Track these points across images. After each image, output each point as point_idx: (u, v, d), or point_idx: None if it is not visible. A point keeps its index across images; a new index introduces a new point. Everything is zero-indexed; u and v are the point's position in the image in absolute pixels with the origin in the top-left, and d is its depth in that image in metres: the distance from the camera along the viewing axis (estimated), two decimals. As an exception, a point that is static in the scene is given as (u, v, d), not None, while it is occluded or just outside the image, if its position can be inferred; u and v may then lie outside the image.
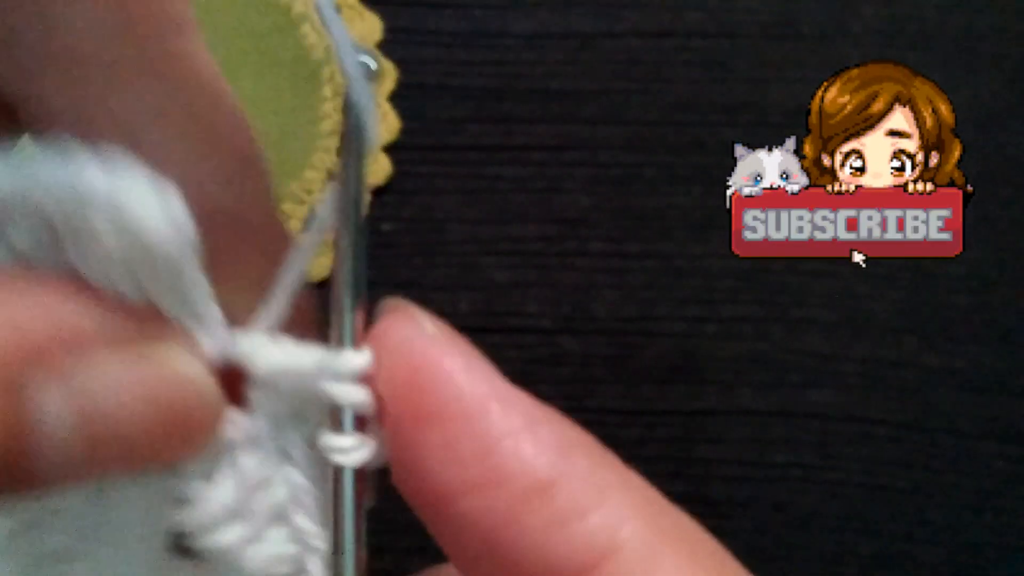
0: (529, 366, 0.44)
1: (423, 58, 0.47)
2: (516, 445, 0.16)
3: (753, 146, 0.46)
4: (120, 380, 0.15)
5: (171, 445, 0.15)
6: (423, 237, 0.45)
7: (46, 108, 0.15)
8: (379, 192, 0.46)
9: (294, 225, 0.45)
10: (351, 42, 0.17)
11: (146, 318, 0.16)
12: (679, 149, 0.46)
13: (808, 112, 0.44)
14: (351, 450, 0.16)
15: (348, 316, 0.16)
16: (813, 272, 0.45)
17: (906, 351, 0.45)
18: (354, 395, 0.16)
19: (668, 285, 0.45)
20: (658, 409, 0.44)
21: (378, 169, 0.46)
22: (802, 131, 0.46)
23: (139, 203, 0.15)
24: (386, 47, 0.47)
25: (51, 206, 0.15)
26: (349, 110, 0.18)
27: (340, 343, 0.16)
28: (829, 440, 0.44)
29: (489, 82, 0.47)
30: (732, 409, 0.44)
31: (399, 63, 0.47)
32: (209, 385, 0.16)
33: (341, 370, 0.16)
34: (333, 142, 0.46)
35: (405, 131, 0.46)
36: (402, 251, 0.45)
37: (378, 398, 0.16)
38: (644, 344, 0.45)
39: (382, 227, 0.45)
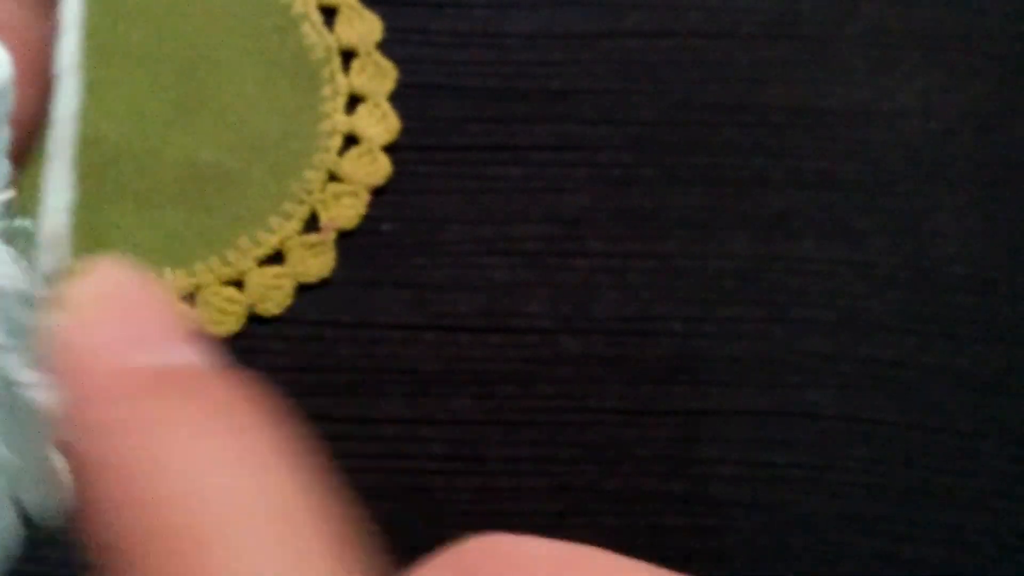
0: (529, 366, 0.44)
1: (423, 58, 0.47)
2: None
3: (753, 145, 0.46)
4: None
5: None
6: (423, 237, 0.45)
7: None
8: (379, 192, 0.46)
9: (294, 226, 0.45)
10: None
11: None
12: (679, 149, 0.46)
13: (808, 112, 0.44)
14: None
15: None
16: (813, 272, 0.46)
17: (906, 351, 0.45)
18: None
19: (668, 285, 0.45)
20: (658, 409, 0.44)
21: (378, 169, 0.46)
22: (803, 131, 0.46)
23: None
24: (386, 47, 0.47)
25: None
26: None
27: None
28: (829, 440, 0.44)
29: (489, 82, 0.47)
30: (732, 409, 0.44)
31: (399, 63, 0.47)
32: None
33: None
34: (333, 142, 0.46)
35: (405, 131, 0.46)
36: (402, 251, 0.45)
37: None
38: (644, 344, 0.45)
39: (382, 227, 0.45)
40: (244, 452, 0.15)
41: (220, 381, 0.16)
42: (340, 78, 0.47)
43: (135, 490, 0.14)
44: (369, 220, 0.45)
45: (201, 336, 0.16)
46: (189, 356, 0.16)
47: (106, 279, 0.16)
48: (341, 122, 0.46)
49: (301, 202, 0.45)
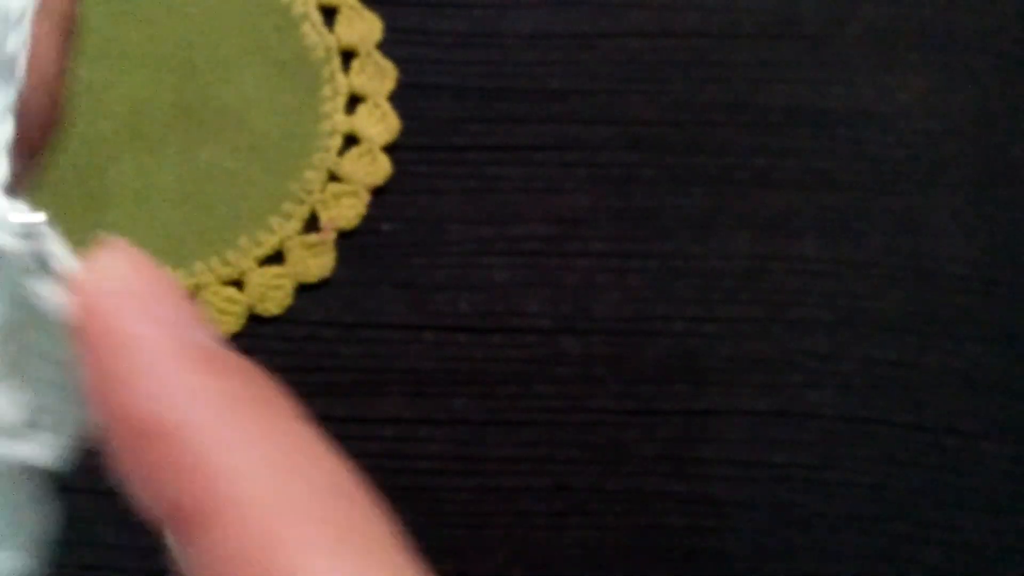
0: (529, 366, 0.44)
1: (423, 58, 0.47)
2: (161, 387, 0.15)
3: (753, 145, 0.46)
4: None
5: None
6: (423, 237, 0.45)
7: None
8: (379, 192, 0.46)
9: (294, 226, 0.45)
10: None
11: None
12: (679, 149, 0.46)
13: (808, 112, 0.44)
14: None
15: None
16: (813, 272, 0.45)
17: (906, 351, 0.45)
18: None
19: (668, 285, 0.45)
20: (658, 409, 0.44)
21: (378, 169, 0.46)
22: (803, 131, 0.46)
23: None
24: (386, 47, 0.47)
25: None
26: None
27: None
28: (829, 440, 0.44)
29: (489, 82, 0.47)
30: (732, 409, 0.44)
31: (399, 63, 0.47)
32: None
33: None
34: (333, 142, 0.46)
35: (405, 131, 0.46)
36: (402, 251, 0.45)
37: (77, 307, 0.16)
38: (644, 344, 0.45)
39: (382, 227, 0.45)
40: (301, 436, 0.15)
41: (258, 368, 0.16)
42: (340, 78, 0.47)
43: (202, 462, 0.14)
44: (369, 220, 0.45)
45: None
46: (220, 341, 0.16)
47: (128, 259, 0.16)
48: (341, 122, 0.46)
49: (301, 202, 0.45)
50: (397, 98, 0.47)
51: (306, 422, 0.16)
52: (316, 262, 0.45)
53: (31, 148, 0.17)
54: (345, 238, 0.45)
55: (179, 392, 0.15)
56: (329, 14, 0.48)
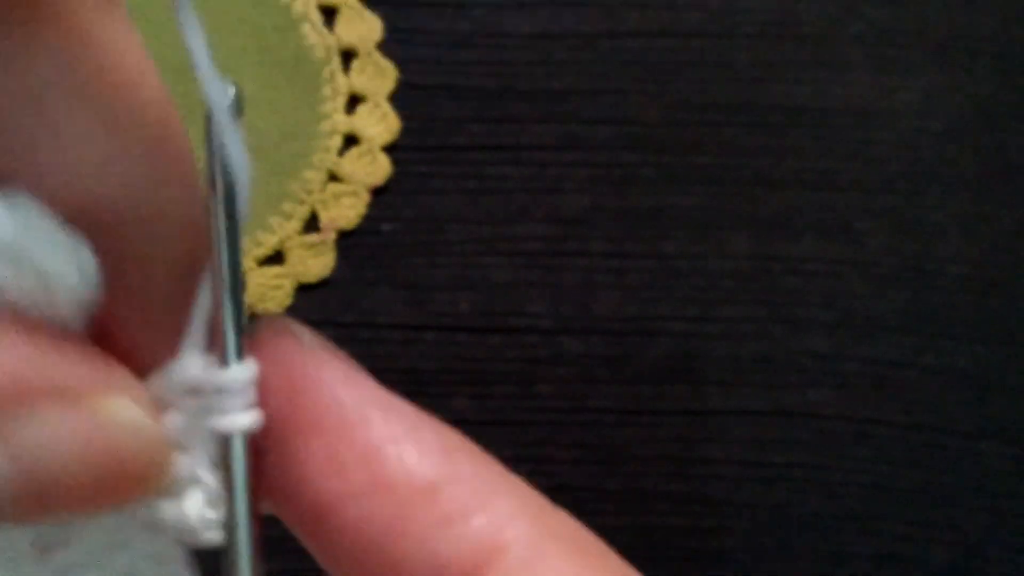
0: (529, 366, 0.44)
1: (423, 58, 0.47)
2: (399, 451, 0.16)
3: (753, 145, 0.46)
4: (58, 432, 0.14)
5: (116, 490, 0.15)
6: (423, 237, 0.45)
7: None
8: (379, 192, 0.46)
9: (294, 226, 0.45)
10: (211, 65, 0.15)
11: (84, 353, 0.15)
12: (679, 149, 0.46)
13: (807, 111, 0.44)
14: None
15: (232, 335, 0.16)
16: (813, 272, 0.46)
17: (906, 351, 0.45)
18: (242, 421, 0.16)
19: (668, 285, 0.45)
20: (658, 409, 0.44)
21: (378, 169, 0.46)
22: (803, 131, 0.46)
23: (50, 258, 0.14)
24: (386, 47, 0.47)
25: None
26: (214, 151, 0.15)
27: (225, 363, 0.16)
28: (829, 440, 0.44)
29: (489, 82, 0.47)
30: (732, 409, 0.44)
31: (399, 63, 0.47)
32: (150, 429, 0.16)
33: (229, 387, 0.16)
34: (333, 142, 0.46)
35: (405, 131, 0.46)
36: (402, 251, 0.45)
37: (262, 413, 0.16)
38: (644, 344, 0.45)
39: (382, 227, 0.45)
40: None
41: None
42: (340, 78, 0.47)
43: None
44: (369, 220, 0.45)
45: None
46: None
47: (301, 331, 0.17)
48: (341, 122, 0.46)
49: (301, 202, 0.45)
50: (397, 98, 0.47)
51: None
52: (316, 262, 0.45)
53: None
54: (345, 238, 0.45)
55: (430, 451, 0.16)
56: (329, 14, 0.48)
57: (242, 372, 0.16)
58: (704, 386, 0.45)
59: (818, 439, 0.44)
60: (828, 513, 0.44)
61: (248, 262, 0.45)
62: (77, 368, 0.15)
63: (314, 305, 0.44)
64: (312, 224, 0.45)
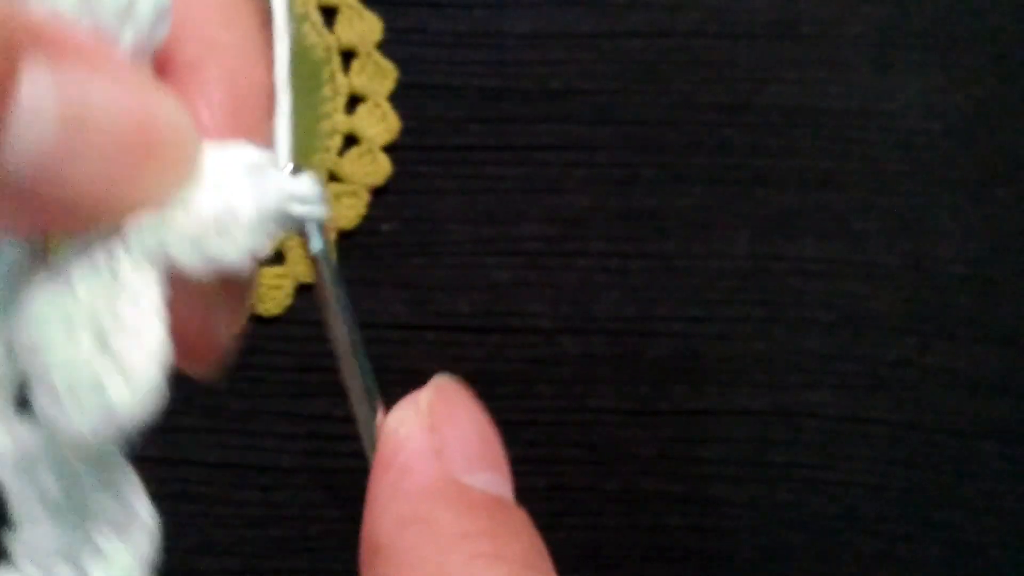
0: (529, 366, 0.44)
1: (423, 58, 0.47)
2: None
3: (753, 145, 0.46)
4: (111, 92, 0.15)
5: (148, 156, 0.15)
6: (423, 237, 0.45)
7: None
8: (379, 192, 0.46)
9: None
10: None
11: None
12: (679, 149, 0.46)
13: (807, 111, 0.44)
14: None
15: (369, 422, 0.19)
16: (813, 272, 0.46)
17: (906, 351, 0.45)
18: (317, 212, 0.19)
19: (668, 285, 0.45)
20: (658, 409, 0.44)
21: (378, 169, 0.46)
22: (803, 131, 0.46)
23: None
24: (386, 47, 0.47)
25: None
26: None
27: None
28: (829, 440, 0.44)
29: (489, 82, 0.47)
30: (732, 409, 0.44)
31: (399, 63, 0.47)
32: (191, 132, 0.17)
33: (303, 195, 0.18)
34: (333, 142, 0.46)
35: (405, 131, 0.46)
36: (402, 251, 0.45)
37: None
38: (644, 344, 0.45)
39: (382, 227, 0.45)
40: None
41: (527, 521, 0.18)
42: (340, 78, 0.47)
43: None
44: (369, 220, 0.45)
45: (503, 464, 0.18)
46: (503, 488, 0.17)
47: (446, 394, 0.18)
48: (341, 122, 0.46)
49: (301, 202, 0.45)
50: (397, 98, 0.47)
51: None
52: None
53: None
54: (345, 238, 0.45)
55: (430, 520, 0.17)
56: (329, 14, 0.48)
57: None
58: (704, 386, 0.45)
59: (818, 439, 0.44)
60: (828, 513, 0.44)
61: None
62: (140, 70, 0.16)
63: (314, 305, 0.44)
64: (312, 224, 0.45)
